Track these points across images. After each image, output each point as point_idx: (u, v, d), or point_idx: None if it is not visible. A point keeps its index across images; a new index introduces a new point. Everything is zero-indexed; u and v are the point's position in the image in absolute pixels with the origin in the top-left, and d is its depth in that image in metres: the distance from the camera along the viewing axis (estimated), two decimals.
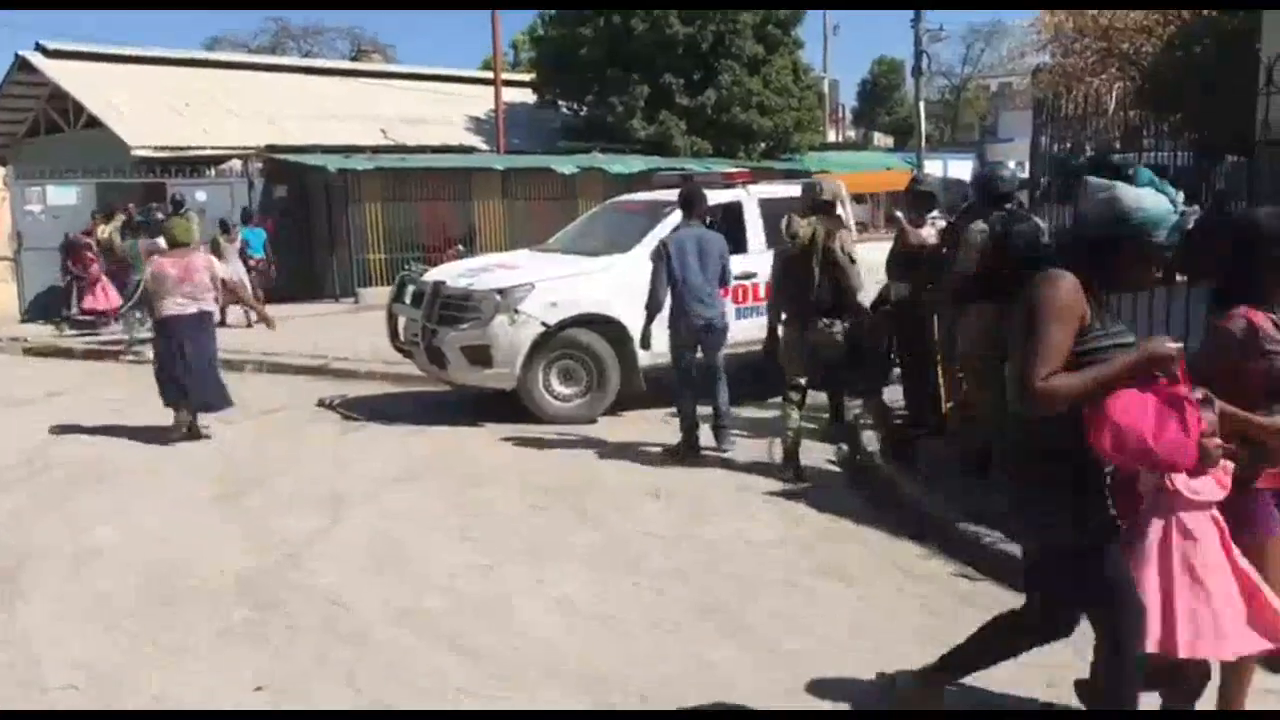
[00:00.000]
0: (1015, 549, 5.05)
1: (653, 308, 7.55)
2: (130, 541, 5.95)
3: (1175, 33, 19.06)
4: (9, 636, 4.67)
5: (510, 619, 4.73)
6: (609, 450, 7.81)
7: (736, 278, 8.81)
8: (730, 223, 9.35)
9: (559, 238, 10.87)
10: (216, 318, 9.16)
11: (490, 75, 25.14)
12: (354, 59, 36.91)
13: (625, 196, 11.20)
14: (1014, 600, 4.70)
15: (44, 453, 8.22)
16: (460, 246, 20.61)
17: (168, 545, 5.87)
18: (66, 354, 14.04)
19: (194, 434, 8.53)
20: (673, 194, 9.85)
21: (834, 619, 4.64)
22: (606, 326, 8.81)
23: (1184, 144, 9.69)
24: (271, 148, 20.27)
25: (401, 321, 9.81)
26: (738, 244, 9.07)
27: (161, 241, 9.88)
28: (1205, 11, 17.83)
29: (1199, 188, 8.79)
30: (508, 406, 8.84)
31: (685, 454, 7.50)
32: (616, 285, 8.86)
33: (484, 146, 24.36)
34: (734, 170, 10.29)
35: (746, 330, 8.68)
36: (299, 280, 18.77)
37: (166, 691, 4.11)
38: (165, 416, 8.56)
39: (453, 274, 9.45)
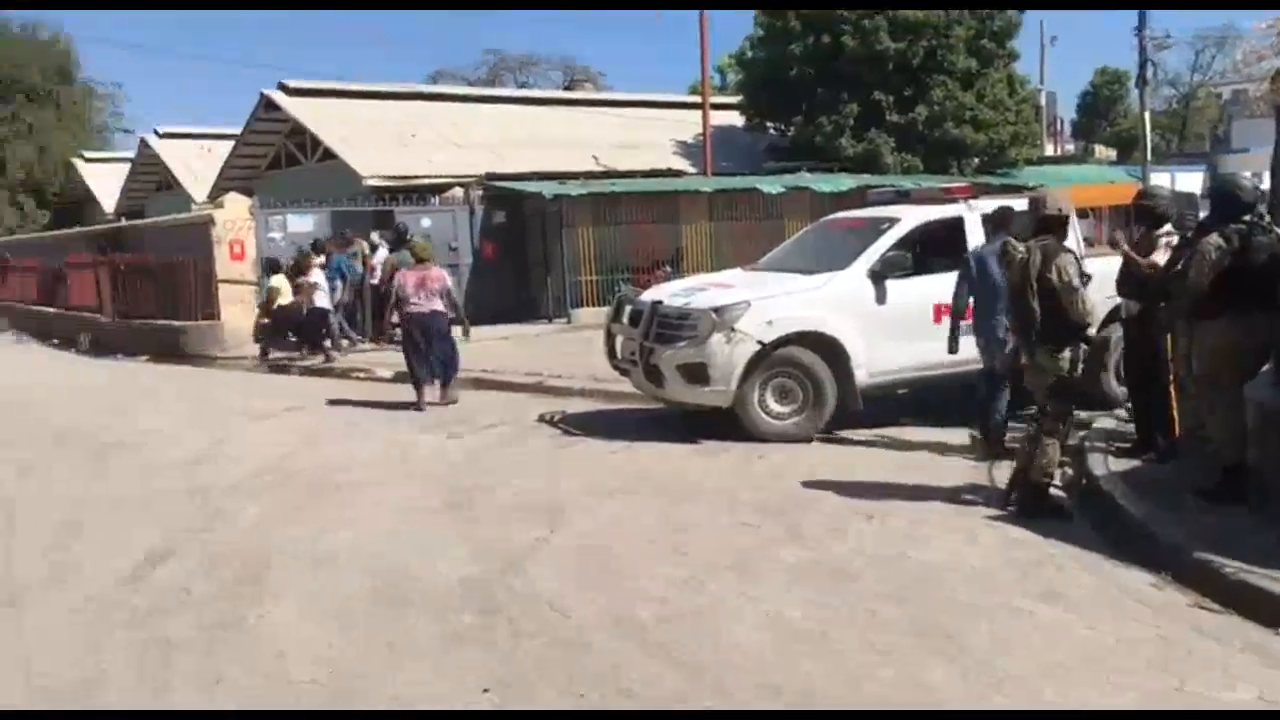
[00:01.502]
0: (1259, 580, 4.77)
1: (954, 315, 8.12)
2: (365, 546, 6.31)
3: None
4: (259, 632, 5.04)
5: (722, 633, 4.77)
6: (821, 469, 7.76)
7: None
8: (951, 238, 9.20)
9: (772, 256, 10.90)
10: (448, 315, 11.27)
11: (698, 99, 25.44)
12: (567, 88, 38.14)
13: (839, 214, 11.19)
14: (1259, 636, 4.46)
15: (285, 463, 8.81)
16: (668, 268, 20.90)
17: (399, 550, 6.19)
18: (305, 371, 15.00)
19: (447, 400, 11.13)
20: (889, 211, 9.80)
21: (1059, 645, 4.47)
22: (823, 344, 8.77)
23: None
24: (491, 175, 21.14)
25: (619, 340, 10.00)
26: (958, 260, 8.92)
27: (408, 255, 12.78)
28: None
29: None
30: (720, 424, 8.90)
31: (988, 454, 7.66)
32: (833, 303, 8.85)
33: (691, 169, 24.66)
34: (954, 185, 10.10)
35: (970, 348, 8.50)
36: (514, 301, 19.50)
37: (401, 692, 4.33)
38: (395, 430, 9.06)
39: (669, 293, 9.60)
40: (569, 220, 19.82)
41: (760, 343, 8.64)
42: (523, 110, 27.29)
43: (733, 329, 8.65)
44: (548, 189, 19.64)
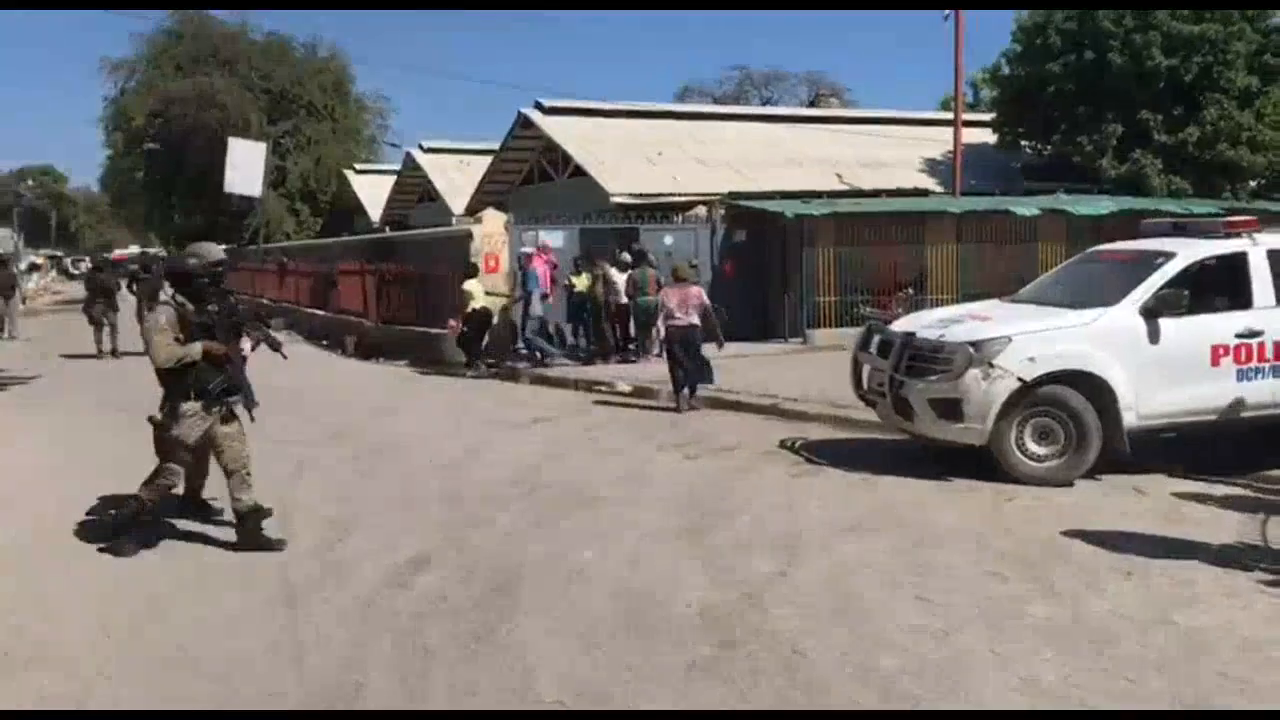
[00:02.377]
0: None
1: None
2: (608, 566, 6.48)
3: None
4: (509, 645, 5.26)
5: (969, 691, 4.62)
6: (1079, 518, 7.37)
7: (1239, 335, 8.30)
8: (1232, 276, 8.68)
9: (1033, 288, 10.52)
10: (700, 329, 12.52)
11: (947, 115, 24.82)
12: (813, 104, 37.95)
13: (1107, 245, 10.63)
14: None
15: (532, 475, 9.15)
16: (910, 290, 20.48)
17: (640, 573, 6.33)
18: (559, 384, 15.54)
19: (693, 406, 12.45)
20: (1163, 244, 9.30)
21: None
22: (1089, 384, 8.39)
23: None
24: (733, 194, 21.30)
25: (866, 370, 9.82)
26: (1238, 299, 8.40)
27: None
28: None
29: None
30: (968, 461, 8.66)
31: None
32: (1102, 340, 8.46)
33: (938, 188, 24.09)
34: (1238, 218, 9.46)
35: (1253, 393, 7.93)
36: (752, 320, 19.55)
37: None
38: (634, 447, 9.27)
39: (924, 324, 9.38)
40: (809, 240, 19.72)
41: (1020, 380, 8.32)
42: (766, 128, 27.38)
43: (991, 364, 8.35)
44: (789, 208, 19.60)
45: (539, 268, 17.10)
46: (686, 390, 12.62)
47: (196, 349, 6.74)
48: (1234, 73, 22.42)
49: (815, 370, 15.50)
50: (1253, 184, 23.57)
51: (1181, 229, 9.88)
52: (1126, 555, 6.45)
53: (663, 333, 12.93)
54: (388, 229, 33.72)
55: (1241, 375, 8.38)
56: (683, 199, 21.43)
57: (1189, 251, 8.88)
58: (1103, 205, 20.89)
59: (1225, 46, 22.23)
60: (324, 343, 22.94)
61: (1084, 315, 8.65)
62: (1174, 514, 7.54)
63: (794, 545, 6.84)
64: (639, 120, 25.99)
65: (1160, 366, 8.42)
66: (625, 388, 14.41)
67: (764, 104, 40.97)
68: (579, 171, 23.22)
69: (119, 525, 7.07)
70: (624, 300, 17.11)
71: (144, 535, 6.99)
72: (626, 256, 17.81)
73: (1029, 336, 8.50)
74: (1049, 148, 24.62)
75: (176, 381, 6.79)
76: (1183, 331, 8.46)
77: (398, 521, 7.65)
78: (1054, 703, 4.49)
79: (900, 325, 9.66)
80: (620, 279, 17.16)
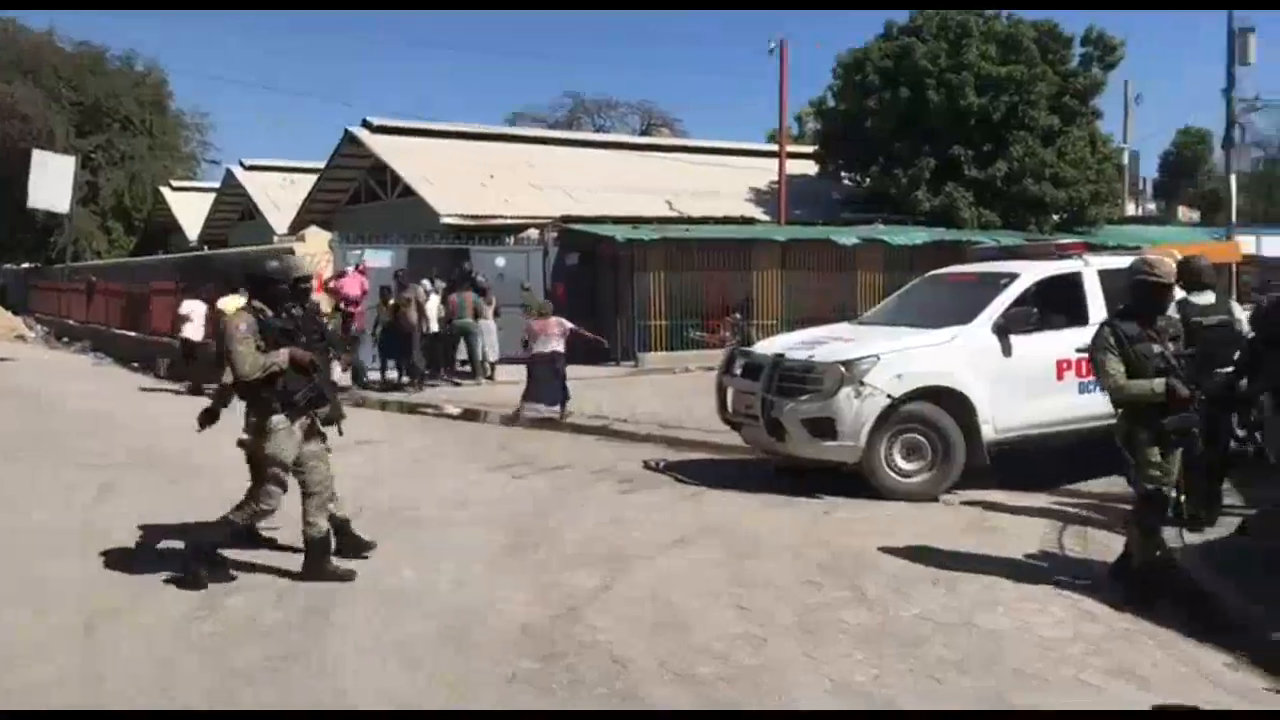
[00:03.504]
0: None
1: None
2: (429, 584, 6.36)
3: None
4: (322, 666, 5.09)
5: (783, 693, 4.71)
6: (894, 530, 7.63)
7: (1079, 350, 8.55)
8: (1070, 294, 9.16)
9: (880, 310, 10.91)
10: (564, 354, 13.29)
11: (773, 148, 25.56)
12: (644, 133, 38.51)
13: (954, 268, 11.14)
14: None
15: (355, 496, 8.87)
16: (738, 315, 20.93)
17: (462, 591, 6.23)
18: (381, 406, 15.20)
19: (565, 416, 13.05)
20: (1006, 266, 9.79)
21: None
22: (951, 399, 8.69)
23: None
24: (566, 218, 21.38)
25: (730, 393, 9.85)
26: (1076, 316, 8.85)
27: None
28: None
29: None
30: (802, 478, 8.89)
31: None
32: (961, 357, 8.79)
33: (764, 217, 24.74)
34: (1068, 241, 10.06)
35: (1092, 405, 8.38)
36: (584, 344, 19.56)
37: None
38: (461, 468, 9.13)
39: (788, 346, 9.53)
40: (641, 264, 19.95)
41: (890, 397, 8.52)
42: (599, 154, 27.62)
43: (861, 383, 8.52)
44: (621, 233, 19.81)
45: (351, 288, 16.65)
46: (558, 407, 13.23)
47: (283, 356, 6.24)
48: (1038, 112, 23.81)
49: (646, 392, 15.70)
50: (1055, 218, 25.00)
51: (1012, 253, 10.42)
52: (936, 564, 6.70)
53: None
54: (206, 248, 32.46)
55: (1082, 388, 8.74)
56: (515, 221, 21.39)
57: (1031, 272, 9.37)
58: (917, 236, 21.86)
59: (1030, 87, 23.60)
60: (134, 365, 21.89)
61: (941, 334, 8.97)
62: (982, 525, 7.88)
63: (618, 560, 6.86)
64: (471, 142, 25.84)
65: (1013, 382, 8.80)
66: (454, 410, 14.22)
67: (596, 131, 41.28)
68: (408, 191, 22.90)
69: (199, 553, 6.43)
70: (434, 328, 16.75)
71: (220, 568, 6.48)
72: (428, 285, 17.32)
73: (895, 355, 8.74)
74: (868, 180, 25.61)
75: (260, 394, 6.29)
76: (1031, 348, 8.86)
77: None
78: (865, 702, 4.62)
79: (765, 348, 9.81)
80: (432, 304, 16.78)
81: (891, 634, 5.49)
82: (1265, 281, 17.57)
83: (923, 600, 6.04)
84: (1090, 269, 9.31)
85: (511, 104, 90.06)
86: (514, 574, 6.61)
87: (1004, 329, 8.86)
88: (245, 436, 6.38)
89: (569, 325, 13.61)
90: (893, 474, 8.63)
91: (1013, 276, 9.32)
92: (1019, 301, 9.03)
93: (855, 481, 8.69)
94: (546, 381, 13.22)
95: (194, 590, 6.19)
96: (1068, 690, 4.75)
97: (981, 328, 8.89)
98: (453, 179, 22.69)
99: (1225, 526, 7.14)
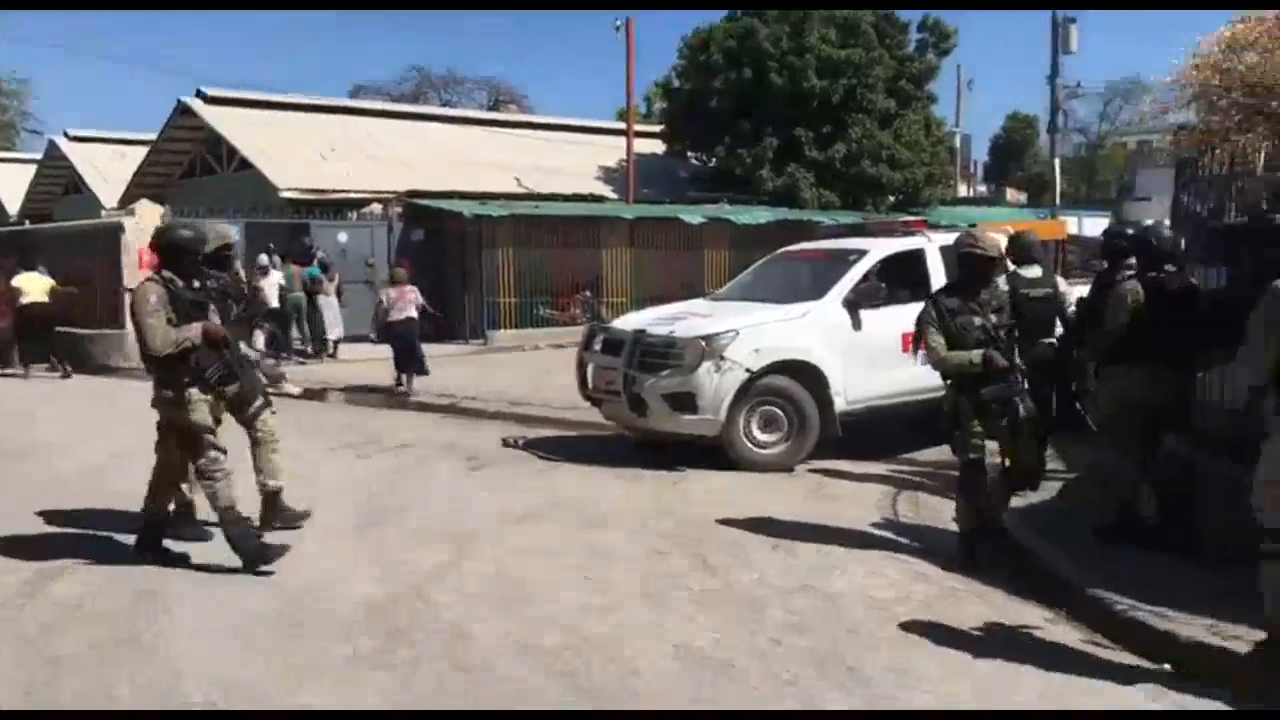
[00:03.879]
0: (1148, 617, 4.93)
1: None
2: (269, 566, 6.19)
3: None
4: (153, 650, 4.91)
5: (627, 660, 4.77)
6: (737, 499, 7.81)
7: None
8: (914, 269, 9.47)
9: (734, 286, 11.08)
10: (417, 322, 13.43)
11: (623, 126, 25.62)
12: (492, 108, 38.07)
13: (804, 245, 11.41)
14: (1147, 670, 4.60)
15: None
16: (587, 292, 21.00)
17: (303, 571, 6.07)
18: None
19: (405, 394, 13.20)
20: (854, 243, 10.13)
21: (956, 680, 4.56)
22: (806, 372, 8.88)
23: None
24: (411, 193, 21.01)
25: (590, 369, 9.84)
26: (920, 291, 9.08)
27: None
28: None
29: None
30: (662, 452, 9.01)
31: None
32: (814, 331, 9.01)
33: (613, 195, 24.81)
34: (913, 219, 10.42)
35: (932, 377, 8.64)
36: (432, 322, 19.31)
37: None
38: (303, 447, 8.92)
39: (648, 322, 9.60)
40: (489, 241, 19.78)
41: (748, 371, 8.68)
42: (446, 129, 27.21)
43: (721, 357, 8.66)
44: (468, 208, 19.59)
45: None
46: (404, 377, 13.42)
47: (195, 330, 5.87)
48: (876, 95, 24.52)
49: (495, 369, 15.62)
50: (891, 199, 25.82)
51: (858, 230, 10.71)
52: (777, 531, 6.88)
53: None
54: (27, 223, 30.71)
55: (925, 360, 9.06)
56: (358, 196, 20.92)
57: (878, 249, 9.69)
58: (761, 215, 22.29)
59: (868, 71, 24.28)
60: None
61: (796, 309, 9.19)
62: (822, 493, 8.13)
63: (464, 537, 6.81)
64: (312, 115, 25.11)
65: (863, 354, 9.08)
66: (294, 390, 13.84)
67: (443, 106, 40.61)
68: (246, 165, 22.13)
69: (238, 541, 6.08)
70: (274, 304, 16.28)
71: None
72: (264, 259, 16.79)
73: (753, 330, 8.92)
74: (714, 159, 25.95)
75: (173, 369, 5.88)
76: (879, 322, 9.15)
77: (32, 529, 6.98)
78: (703, 664, 4.72)
79: (625, 324, 9.85)
80: (272, 280, 16.27)
81: (733, 599, 5.62)
82: (1086, 259, 18.55)
83: (763, 566, 6.19)
84: (932, 245, 9.69)
85: (354, 78, 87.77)
86: (358, 553, 6.50)
87: (854, 304, 9.16)
88: (171, 413, 6.06)
89: (420, 297, 13.69)
90: (751, 446, 8.81)
91: (861, 253, 9.63)
92: (867, 277, 9.35)
93: (713, 454, 8.83)
94: (411, 349, 13.42)
95: None
96: (899, 647, 4.94)
97: (833, 303, 9.16)
98: (292, 152, 22.03)
99: (1047, 491, 7.53)
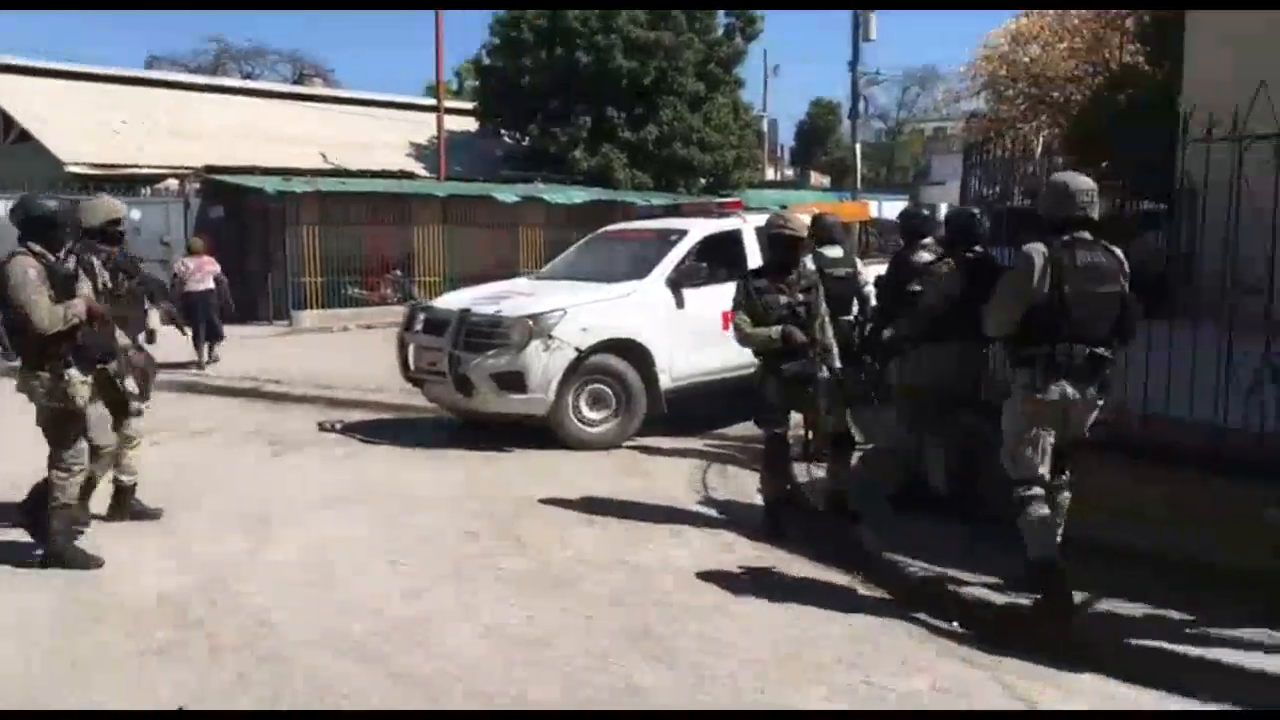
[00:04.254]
0: (941, 578, 5.19)
1: None
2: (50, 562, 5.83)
3: (1103, 83, 19.71)
4: None
5: (437, 643, 4.71)
6: (552, 477, 7.80)
7: None
8: (732, 249, 9.62)
9: (557, 265, 11.01)
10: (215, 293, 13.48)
11: (433, 102, 25.15)
12: (296, 82, 36.71)
13: (626, 224, 11.52)
14: (938, 629, 4.84)
15: None
16: (398, 272, 20.60)
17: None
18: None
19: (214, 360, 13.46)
20: (674, 223, 10.25)
21: (761, 644, 4.69)
22: (632, 351, 8.92)
23: (1111, 192, 9.96)
24: (210, 168, 20.09)
25: (412, 350, 9.58)
26: (739, 269, 9.19)
27: None
28: (1134, 62, 18.44)
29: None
30: (483, 433, 8.91)
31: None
32: (640, 310, 9.08)
33: (425, 173, 24.35)
34: (729, 200, 10.62)
35: (737, 357, 8.82)
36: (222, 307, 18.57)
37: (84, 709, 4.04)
38: None
39: (472, 300, 9.43)
40: (293, 218, 19.13)
41: (577, 349, 8.66)
42: (248, 102, 26.07)
43: (550, 336, 8.60)
44: (271, 184, 18.88)
45: None
46: (206, 350, 13.42)
47: (80, 306, 5.43)
48: (685, 78, 24.81)
49: (301, 351, 15.15)
50: (703, 181, 26.23)
51: (677, 210, 10.86)
52: (591, 508, 6.92)
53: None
54: None
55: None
56: (152, 171, 19.87)
57: (698, 229, 9.83)
58: (575, 195, 22.31)
59: (678, 54, 24.54)
60: None
61: (621, 288, 9.23)
62: (636, 468, 8.20)
63: (269, 523, 6.59)
64: (102, 85, 23.58)
65: (687, 332, 9.19)
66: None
67: (244, 79, 38.92)
68: (27, 136, 20.68)
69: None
70: None
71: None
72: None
73: (580, 308, 8.89)
74: (528, 138, 25.78)
75: (51, 349, 5.42)
76: (700, 300, 9.25)
77: None
78: (515, 643, 4.71)
79: (447, 303, 9.67)
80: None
81: (546, 576, 5.63)
82: (885, 241, 19.33)
83: (577, 543, 6.22)
84: (749, 225, 9.92)
85: (149, 49, 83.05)
86: (154, 543, 6.19)
87: (677, 283, 9.28)
88: (45, 401, 5.65)
89: (218, 268, 13.77)
90: (580, 424, 8.82)
91: (682, 233, 9.77)
92: (688, 257, 9.48)
93: (538, 435, 8.78)
94: (210, 321, 13.41)
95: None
96: (708, 616, 5.05)
97: (656, 282, 9.26)
98: (80, 124, 20.69)
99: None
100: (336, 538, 6.32)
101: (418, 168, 24.81)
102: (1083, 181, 4.82)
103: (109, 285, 6.04)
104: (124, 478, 6.61)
